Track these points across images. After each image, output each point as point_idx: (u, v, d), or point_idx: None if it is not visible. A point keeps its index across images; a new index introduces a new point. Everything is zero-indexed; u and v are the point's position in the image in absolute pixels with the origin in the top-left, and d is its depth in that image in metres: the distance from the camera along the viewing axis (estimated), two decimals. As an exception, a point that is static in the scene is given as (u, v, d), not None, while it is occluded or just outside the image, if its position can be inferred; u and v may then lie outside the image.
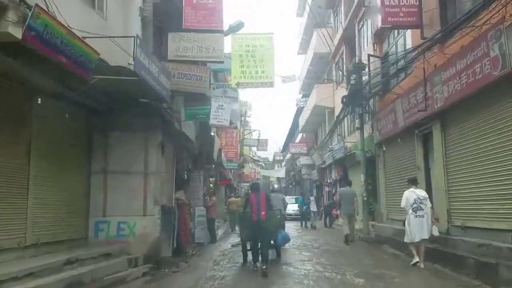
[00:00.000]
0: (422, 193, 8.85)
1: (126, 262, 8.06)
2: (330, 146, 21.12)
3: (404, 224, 9.34)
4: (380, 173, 14.75)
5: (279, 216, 10.45)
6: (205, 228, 13.94)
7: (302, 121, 31.07)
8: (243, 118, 39.45)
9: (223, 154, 22.62)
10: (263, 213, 8.70)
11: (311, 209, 20.91)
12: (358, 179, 18.27)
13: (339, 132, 19.42)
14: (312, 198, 21.31)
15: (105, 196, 9.03)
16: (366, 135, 14.94)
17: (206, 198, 14.67)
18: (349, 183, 14.87)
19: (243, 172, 41.21)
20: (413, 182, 9.27)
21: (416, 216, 8.66)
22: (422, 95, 10.02)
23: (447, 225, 9.46)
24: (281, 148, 53.36)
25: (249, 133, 41.04)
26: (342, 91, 19.09)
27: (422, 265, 8.42)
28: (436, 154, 10.12)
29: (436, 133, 10.04)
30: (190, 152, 14.36)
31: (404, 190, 9.31)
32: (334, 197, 18.48)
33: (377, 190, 14.92)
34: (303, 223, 20.93)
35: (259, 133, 40.99)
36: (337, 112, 21.76)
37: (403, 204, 9.03)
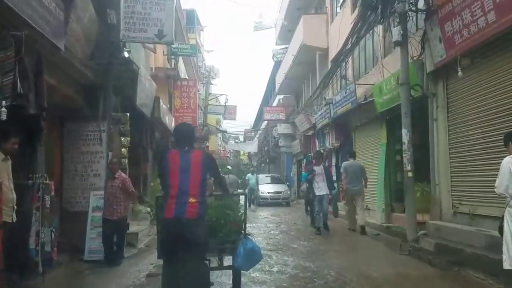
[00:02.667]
0: None
1: None
2: (326, 98, 14.09)
3: (501, 231, 4.62)
4: (437, 128, 7.94)
5: (240, 213, 4.88)
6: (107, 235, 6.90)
7: (280, 78, 23.97)
8: (205, 79, 31.99)
9: (169, 115, 15.30)
10: (192, 200, 3.57)
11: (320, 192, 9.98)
12: (372, 148, 11.52)
13: (342, 73, 12.46)
14: (319, 168, 10.13)
15: None
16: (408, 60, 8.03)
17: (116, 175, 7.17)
18: (353, 155, 10.94)
19: (207, 146, 33.88)
20: None
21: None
22: None
23: None
24: (253, 125, 46.05)
25: (214, 98, 33.65)
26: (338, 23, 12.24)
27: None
28: None
29: None
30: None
31: (501, 158, 4.61)
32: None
33: (430, 161, 8.14)
34: (313, 218, 10.56)
35: (226, 99, 33.67)
36: (332, 54, 14.74)
37: (500, 188, 4.45)
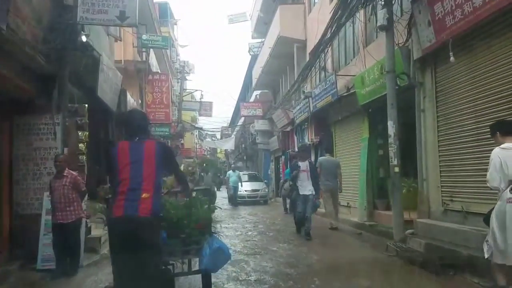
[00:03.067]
0: None
1: None
2: (305, 91, 13.45)
3: (487, 223, 4.34)
4: (425, 120, 7.39)
5: (207, 205, 4.61)
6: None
7: (257, 72, 23.26)
8: (179, 74, 31.00)
9: (140, 110, 14.38)
10: (145, 196, 3.16)
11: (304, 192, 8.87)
12: (353, 143, 11.05)
13: (322, 65, 11.83)
14: (304, 164, 8.93)
15: None
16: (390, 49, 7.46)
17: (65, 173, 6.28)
18: (329, 151, 10.99)
19: (182, 144, 32.91)
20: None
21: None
22: None
23: None
24: (230, 122, 45.10)
25: (188, 94, 32.70)
26: (316, 14, 11.70)
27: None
28: None
29: None
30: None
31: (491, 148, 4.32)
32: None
33: (417, 155, 7.59)
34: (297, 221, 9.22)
35: (201, 94, 32.73)
36: (311, 46, 14.18)
37: (494, 182, 4.15)
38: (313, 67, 12.46)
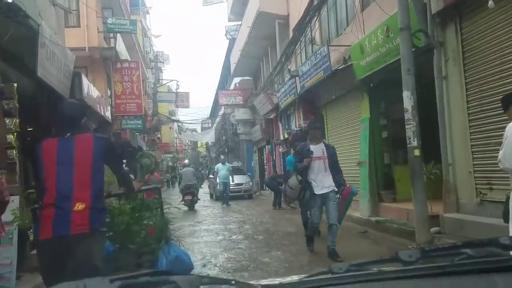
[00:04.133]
0: None
1: None
2: (291, 70, 11.77)
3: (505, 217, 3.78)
4: (448, 89, 5.89)
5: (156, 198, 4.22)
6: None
7: (235, 57, 21.53)
8: (153, 63, 29.01)
9: (101, 99, 12.53)
10: (79, 207, 2.63)
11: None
12: (350, 125, 9.62)
13: (310, 38, 10.14)
14: (319, 148, 5.97)
15: None
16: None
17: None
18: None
19: (158, 138, 31.00)
20: None
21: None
22: None
23: None
24: (210, 113, 43.03)
25: (163, 85, 30.74)
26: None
27: None
28: None
29: None
30: None
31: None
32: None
33: (440, 133, 6.09)
34: (311, 228, 6.23)
35: (177, 85, 30.81)
36: (294, 22, 12.59)
37: (506, 161, 3.64)
38: (299, 43, 10.84)
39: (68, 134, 2.78)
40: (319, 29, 11.22)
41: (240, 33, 20.36)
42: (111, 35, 19.23)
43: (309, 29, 9.99)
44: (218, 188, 16.48)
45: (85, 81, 10.48)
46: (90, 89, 11.19)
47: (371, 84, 8.24)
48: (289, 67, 12.61)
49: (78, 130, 2.84)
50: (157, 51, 33.52)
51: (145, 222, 3.85)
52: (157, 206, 4.11)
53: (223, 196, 15.44)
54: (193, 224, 10.59)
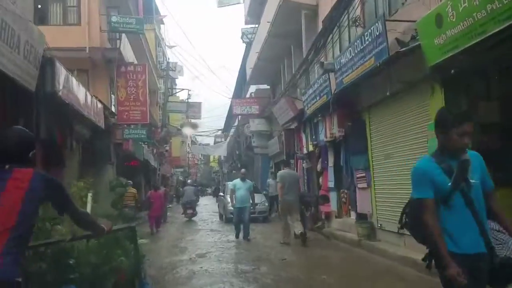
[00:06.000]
0: None
1: None
2: (325, 62, 9.22)
3: None
4: None
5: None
6: None
7: (252, 62, 19.21)
8: (164, 72, 26.93)
9: (87, 97, 10.20)
10: None
11: None
12: (410, 133, 7.03)
13: (355, 16, 7.65)
14: None
15: None
16: None
17: None
18: (287, 164, 11.53)
19: (166, 151, 28.65)
20: None
21: None
22: None
23: None
24: (224, 126, 40.66)
25: (175, 94, 28.61)
26: None
27: None
28: None
29: None
30: None
31: None
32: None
33: None
34: None
35: (188, 94, 28.63)
36: (324, 13, 10.24)
37: None
38: (337, 27, 8.35)
39: (7, 166, 2.39)
40: (361, 12, 8.74)
41: (258, 34, 18.14)
42: (117, 36, 17.26)
43: (351, 9, 7.51)
44: (229, 209, 13.55)
45: (61, 71, 8.13)
46: (71, 83, 8.84)
47: (452, 71, 5.67)
48: (321, 59, 10.12)
49: (20, 162, 2.42)
50: (168, 60, 31.62)
51: (114, 263, 3.49)
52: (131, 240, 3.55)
53: (238, 226, 11.05)
54: (193, 259, 8.09)
